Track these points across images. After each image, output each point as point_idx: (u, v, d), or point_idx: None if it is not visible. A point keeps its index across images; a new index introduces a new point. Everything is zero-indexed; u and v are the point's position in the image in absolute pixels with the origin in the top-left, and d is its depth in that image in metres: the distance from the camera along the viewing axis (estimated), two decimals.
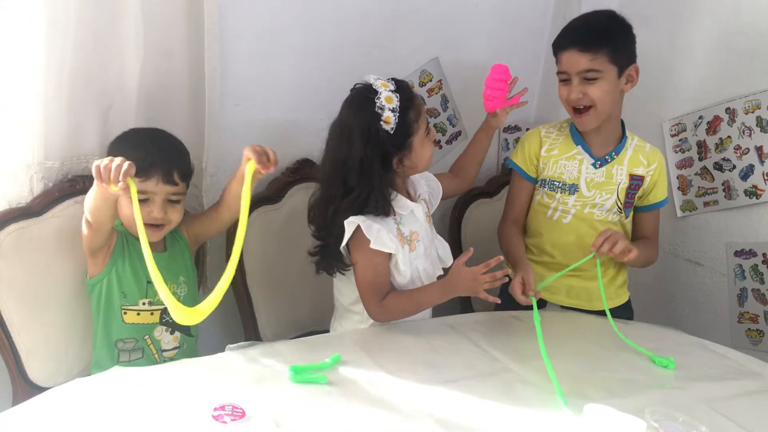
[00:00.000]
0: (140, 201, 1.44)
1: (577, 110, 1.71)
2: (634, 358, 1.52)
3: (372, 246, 1.51)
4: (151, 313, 1.59)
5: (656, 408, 1.24)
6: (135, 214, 1.31)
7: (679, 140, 2.12)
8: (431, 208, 1.75)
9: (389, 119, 1.49)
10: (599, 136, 1.76)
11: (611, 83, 1.67)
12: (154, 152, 1.51)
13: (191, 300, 1.63)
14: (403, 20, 2.08)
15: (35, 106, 1.54)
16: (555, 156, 1.80)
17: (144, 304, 1.58)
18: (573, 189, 1.77)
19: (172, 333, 1.62)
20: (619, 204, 1.77)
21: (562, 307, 1.82)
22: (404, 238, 1.58)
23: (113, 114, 1.67)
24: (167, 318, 1.58)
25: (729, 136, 2.00)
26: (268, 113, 1.91)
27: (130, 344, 1.58)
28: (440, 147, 2.27)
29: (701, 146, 2.07)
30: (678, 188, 2.13)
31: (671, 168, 2.12)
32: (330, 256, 1.60)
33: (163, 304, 1.43)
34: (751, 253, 1.98)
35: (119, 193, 1.32)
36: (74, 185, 1.63)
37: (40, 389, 1.47)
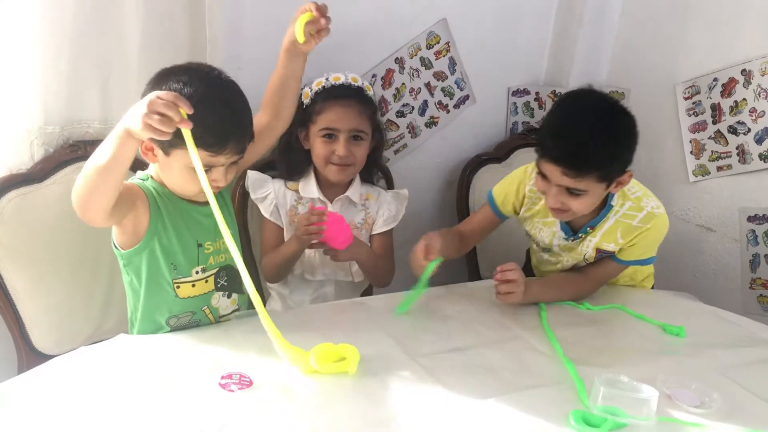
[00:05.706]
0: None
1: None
2: (645, 326, 1.51)
3: (252, 196, 1.71)
4: (206, 281, 1.37)
5: (668, 376, 1.23)
6: (197, 168, 1.11)
7: (693, 103, 2.07)
8: (366, 227, 1.78)
9: (306, 94, 1.70)
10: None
11: (597, 196, 1.48)
12: (230, 121, 1.22)
13: None
14: None
15: (34, 71, 1.51)
16: (536, 214, 1.67)
17: (197, 272, 1.36)
18: (546, 249, 1.70)
19: (229, 296, 1.42)
20: (589, 262, 1.65)
21: None
22: (295, 216, 1.71)
23: (114, 78, 1.64)
24: (221, 281, 1.39)
25: (744, 99, 1.95)
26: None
27: (185, 319, 1.38)
28: (447, 112, 2.23)
29: (715, 109, 2.02)
30: (691, 152, 2.09)
31: (684, 132, 2.08)
32: None
33: (216, 267, 1.38)
34: (765, 219, 1.95)
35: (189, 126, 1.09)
36: (75, 150, 1.60)
37: (46, 357, 1.47)
